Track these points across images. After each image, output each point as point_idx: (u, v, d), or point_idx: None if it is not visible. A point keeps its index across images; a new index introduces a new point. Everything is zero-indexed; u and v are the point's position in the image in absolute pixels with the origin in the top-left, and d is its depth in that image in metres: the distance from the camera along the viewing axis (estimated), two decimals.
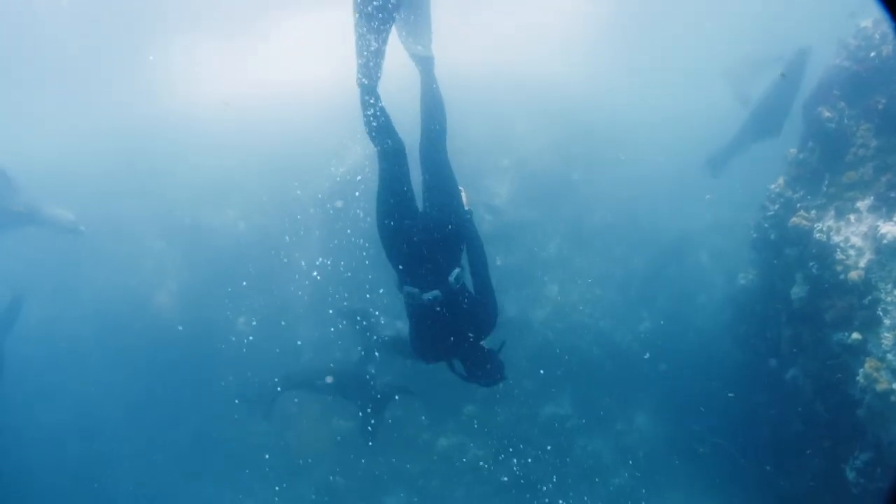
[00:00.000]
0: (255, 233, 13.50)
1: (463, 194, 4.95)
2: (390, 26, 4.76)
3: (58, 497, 11.95)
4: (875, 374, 6.03)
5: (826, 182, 7.21)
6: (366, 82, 4.67)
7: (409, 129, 4.98)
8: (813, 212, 7.19)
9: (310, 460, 12.19)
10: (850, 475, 6.65)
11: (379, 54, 4.73)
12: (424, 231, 4.65)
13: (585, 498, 11.37)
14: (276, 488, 12.04)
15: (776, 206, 8.09)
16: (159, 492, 12.14)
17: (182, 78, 16.19)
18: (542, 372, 12.03)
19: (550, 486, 11.61)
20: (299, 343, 12.30)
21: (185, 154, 14.34)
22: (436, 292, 4.54)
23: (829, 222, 6.85)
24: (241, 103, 14.17)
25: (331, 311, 11.48)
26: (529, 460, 11.66)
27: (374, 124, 4.75)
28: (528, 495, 11.44)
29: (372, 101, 4.71)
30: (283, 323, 12.81)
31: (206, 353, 12.82)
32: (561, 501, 11.39)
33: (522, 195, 14.05)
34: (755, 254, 9.54)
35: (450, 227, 4.70)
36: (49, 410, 13.12)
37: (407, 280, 4.72)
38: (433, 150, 4.83)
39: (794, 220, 7.26)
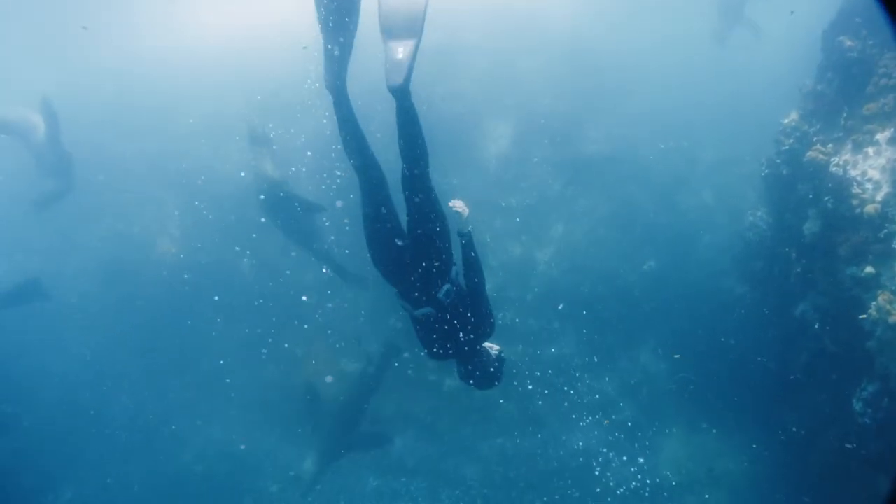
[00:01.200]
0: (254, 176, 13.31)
1: (464, 214, 4.88)
2: (353, 37, 4.72)
3: (70, 445, 12.15)
4: (888, 307, 6.05)
5: (844, 114, 7.06)
6: (335, 83, 4.67)
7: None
8: (830, 145, 7.08)
9: (317, 403, 12.40)
10: (857, 406, 6.76)
11: (343, 60, 4.73)
12: (407, 252, 4.74)
13: (591, 432, 11.65)
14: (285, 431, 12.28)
15: (791, 141, 7.97)
16: (170, 437, 12.35)
17: (182, 19, 15.70)
18: (559, 308, 12.14)
19: (556, 422, 11.87)
20: (304, 298, 12.28)
21: (184, 98, 14.03)
22: (426, 310, 4.73)
23: (846, 156, 6.74)
24: (242, 45, 13.80)
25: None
26: (540, 399, 11.85)
27: (347, 137, 4.76)
28: (534, 432, 11.70)
29: (342, 107, 4.71)
30: (287, 272, 12.78)
31: (212, 298, 12.84)
32: (565, 437, 11.68)
33: (526, 135, 13.86)
34: (766, 190, 9.45)
35: (436, 245, 4.74)
36: (58, 361, 13.20)
37: (402, 295, 4.88)
38: (415, 176, 4.77)
39: (811, 154, 7.15)
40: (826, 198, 6.89)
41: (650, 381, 12.16)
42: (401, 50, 4.46)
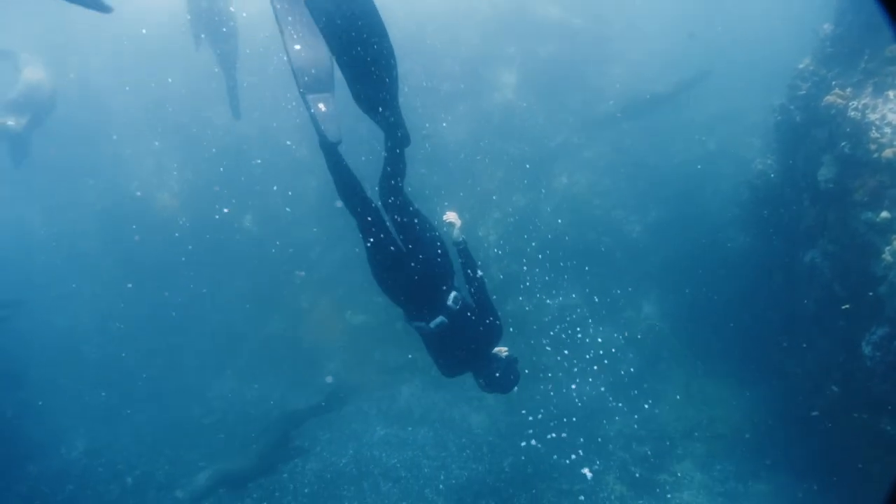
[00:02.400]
0: (255, 129, 13.11)
1: (456, 225, 5.10)
2: (332, 91, 4.79)
3: (79, 398, 12.23)
4: None
5: (865, 57, 6.94)
6: (330, 141, 4.73)
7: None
8: (848, 89, 6.97)
9: (325, 354, 12.50)
10: (866, 349, 6.84)
11: (331, 116, 4.76)
12: (413, 272, 4.86)
13: (594, 381, 11.81)
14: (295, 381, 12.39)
15: (807, 86, 7.86)
16: (181, 389, 12.44)
17: None
18: (561, 262, 12.15)
19: (560, 373, 12.01)
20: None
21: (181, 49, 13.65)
22: (440, 319, 4.88)
23: (865, 100, 6.66)
24: None
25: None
26: (544, 350, 11.96)
27: (342, 186, 4.90)
28: (539, 382, 11.84)
29: (337, 162, 4.82)
30: (290, 224, 12.68)
31: (215, 252, 12.79)
32: (574, 386, 11.85)
33: (529, 84, 13.65)
34: (777, 137, 9.37)
35: (436, 260, 4.94)
36: (64, 316, 13.19)
37: (413, 316, 5.05)
38: (393, 196, 4.96)
39: (829, 98, 7.05)
40: (843, 143, 6.83)
41: (653, 332, 12.29)
42: (322, 105, 4.67)
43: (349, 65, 4.66)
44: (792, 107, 8.33)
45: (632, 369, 12.01)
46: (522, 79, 13.57)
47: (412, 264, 4.87)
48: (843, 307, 7.38)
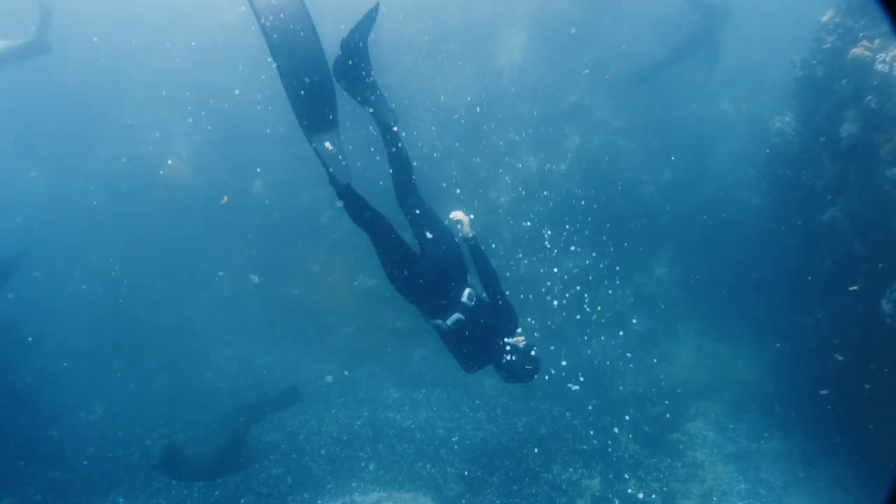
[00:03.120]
0: (264, 92, 12.89)
1: (465, 222, 5.16)
2: (337, 129, 4.80)
3: (95, 363, 12.33)
4: None
5: None
6: (340, 182, 4.80)
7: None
8: (876, 41, 6.78)
9: (337, 318, 12.54)
10: (887, 307, 6.80)
11: (337, 155, 4.80)
12: (428, 272, 4.98)
13: (606, 342, 11.84)
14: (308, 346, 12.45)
15: (832, 38, 7.65)
16: (193, 354, 12.52)
17: None
18: (573, 224, 12.05)
19: (572, 333, 12.04)
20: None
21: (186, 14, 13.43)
22: (456, 316, 4.98)
23: (895, 52, 6.49)
24: None
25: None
26: (556, 310, 11.96)
27: (352, 211, 4.99)
28: (551, 342, 11.88)
29: (349, 200, 4.92)
30: (300, 188, 12.57)
31: (225, 217, 12.73)
32: (582, 347, 11.88)
33: (540, 44, 13.36)
34: (796, 93, 9.17)
35: (449, 258, 5.06)
36: (76, 282, 13.22)
37: (429, 314, 5.15)
38: (408, 195, 5.14)
39: (855, 51, 6.86)
40: (868, 97, 6.67)
41: (665, 292, 12.27)
42: (328, 145, 4.68)
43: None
44: (815, 61, 8.12)
45: (644, 332, 12.04)
46: (533, 38, 13.28)
47: (425, 263, 4.99)
48: (851, 288, 7.36)
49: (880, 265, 7.09)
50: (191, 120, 13.38)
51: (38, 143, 13.33)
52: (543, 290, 12.13)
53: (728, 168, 12.35)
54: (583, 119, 12.82)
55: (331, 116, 4.74)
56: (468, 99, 12.55)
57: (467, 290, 5.03)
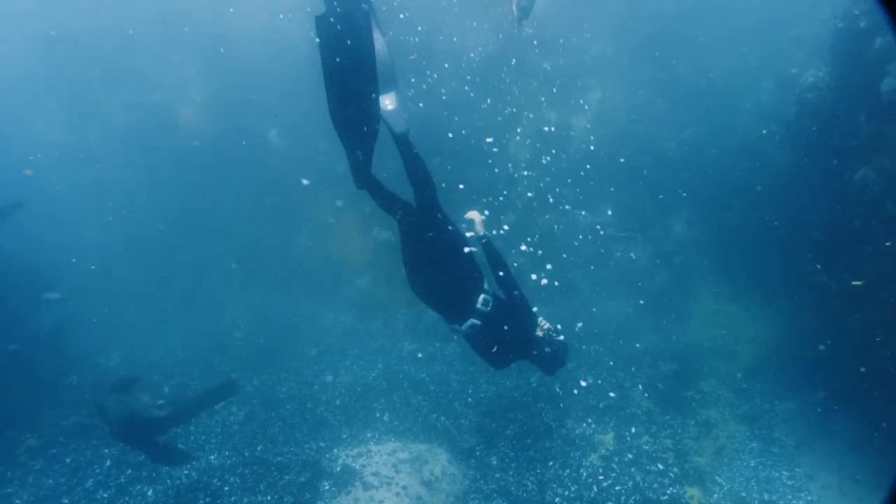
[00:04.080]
0: (281, 38, 12.59)
1: (477, 221, 5.25)
2: (373, 141, 4.91)
3: (111, 313, 12.43)
4: None
5: None
6: (365, 183, 5.07)
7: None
8: None
9: (352, 269, 12.52)
10: None
11: (367, 164, 5.03)
12: (442, 278, 5.12)
13: (622, 299, 11.78)
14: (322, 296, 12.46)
15: None
16: (210, 302, 12.59)
17: None
18: (593, 179, 11.84)
19: (588, 290, 11.98)
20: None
21: None
22: (471, 321, 5.10)
23: None
24: None
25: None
26: (573, 267, 11.85)
27: (384, 208, 5.19)
28: (567, 299, 11.84)
29: (378, 195, 5.12)
30: (316, 138, 12.37)
31: (240, 167, 12.62)
32: (598, 304, 11.82)
33: None
34: (832, 47, 8.79)
35: (463, 267, 5.13)
36: (91, 230, 13.23)
37: (447, 319, 5.32)
38: (429, 208, 5.16)
39: None
40: None
41: (683, 250, 12.12)
42: (388, 102, 4.86)
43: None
44: (857, 11, 7.75)
45: (660, 288, 11.95)
46: None
47: (442, 269, 5.12)
48: (854, 283, 7.23)
49: None
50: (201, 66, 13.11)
51: (51, 92, 13.15)
52: (562, 244, 12.03)
53: (753, 124, 11.98)
54: (605, 72, 12.45)
55: (391, 75, 4.86)
56: (489, 51, 12.20)
57: (482, 297, 5.11)
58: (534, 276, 11.47)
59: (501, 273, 5.18)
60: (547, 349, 5.35)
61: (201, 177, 12.56)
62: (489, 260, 5.19)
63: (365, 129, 4.90)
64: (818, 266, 9.22)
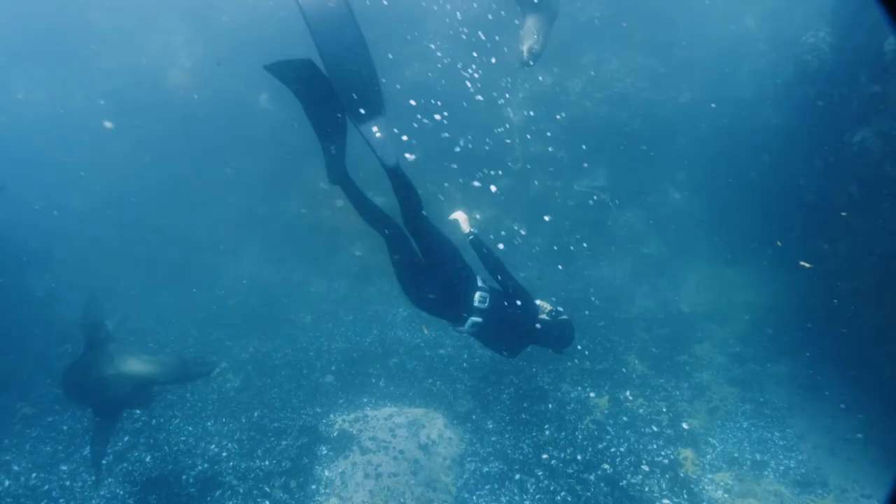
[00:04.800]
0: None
1: (462, 220, 5.49)
2: (346, 134, 5.14)
3: (103, 278, 12.31)
4: None
5: None
6: (338, 176, 5.34)
7: None
8: None
9: (346, 236, 12.42)
10: None
11: (341, 155, 5.30)
12: (435, 283, 5.20)
13: (617, 264, 11.78)
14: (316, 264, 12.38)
15: None
16: (202, 271, 12.50)
17: None
18: (587, 144, 11.72)
19: (582, 255, 11.97)
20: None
21: None
22: (472, 320, 5.22)
23: None
24: None
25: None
26: (567, 232, 11.81)
27: (365, 213, 5.38)
28: (561, 264, 11.83)
29: (352, 192, 5.37)
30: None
31: (231, 132, 12.40)
32: (592, 269, 11.83)
33: None
34: (838, 4, 8.64)
35: (456, 273, 5.24)
36: (79, 199, 13.02)
37: (450, 321, 5.43)
38: (416, 220, 5.18)
39: None
40: None
41: (678, 215, 12.10)
42: (376, 129, 4.78)
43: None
44: None
45: (655, 253, 11.97)
46: None
47: (433, 276, 5.21)
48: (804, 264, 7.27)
49: None
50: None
51: (33, 58, 12.80)
52: (557, 209, 11.97)
53: (751, 87, 11.87)
54: (600, 34, 12.21)
55: (378, 101, 4.83)
56: (476, 10, 11.94)
57: (478, 294, 5.22)
58: (520, 233, 11.45)
59: (495, 266, 5.34)
60: (554, 331, 5.51)
61: (191, 143, 12.33)
62: (480, 256, 5.33)
63: (337, 122, 5.02)
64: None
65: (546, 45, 8.03)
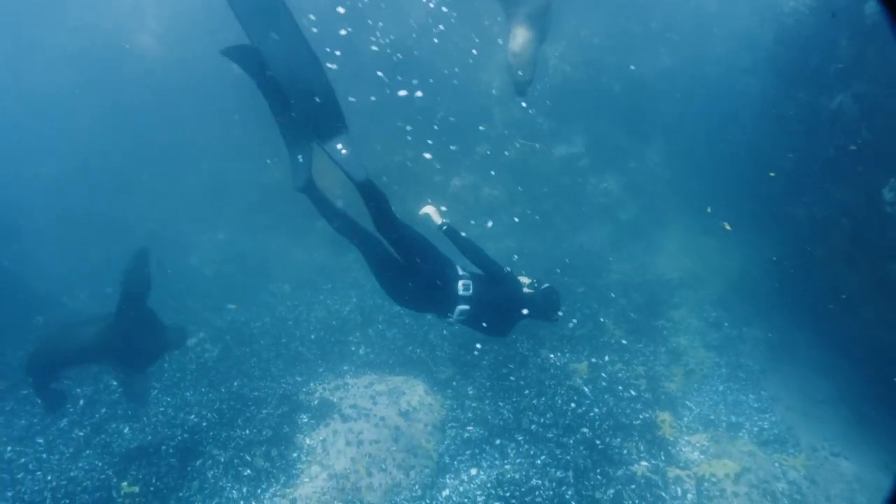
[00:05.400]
0: None
1: (433, 213, 5.47)
2: (310, 144, 5.14)
3: (73, 249, 12.05)
4: None
5: None
6: (304, 185, 5.50)
7: None
8: None
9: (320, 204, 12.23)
10: (889, 195, 6.73)
11: (308, 164, 5.43)
12: (417, 283, 5.26)
13: (595, 230, 11.81)
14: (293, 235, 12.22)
15: None
16: (177, 241, 12.28)
17: None
18: (566, 109, 11.59)
19: (562, 222, 11.97)
20: None
21: None
22: (460, 308, 5.32)
23: None
24: None
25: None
26: (546, 199, 11.78)
27: (334, 222, 5.46)
28: (541, 231, 11.83)
29: (318, 201, 5.52)
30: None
31: (202, 98, 12.06)
32: (571, 236, 11.86)
33: None
34: None
35: (434, 269, 5.28)
36: (48, 166, 12.64)
37: (438, 315, 5.53)
38: (387, 224, 5.22)
39: None
40: None
41: (656, 182, 12.13)
42: (340, 146, 4.82)
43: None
44: None
45: (632, 219, 12.01)
46: None
47: (413, 274, 5.27)
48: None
49: (885, 152, 6.93)
50: None
51: None
52: (535, 176, 11.91)
53: (729, 51, 11.81)
54: None
55: (338, 118, 4.84)
56: None
57: (461, 283, 5.30)
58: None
59: (472, 252, 5.39)
60: (539, 300, 5.65)
61: (162, 109, 11.98)
62: (455, 244, 5.37)
63: (304, 127, 4.98)
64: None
65: (536, 65, 7.61)
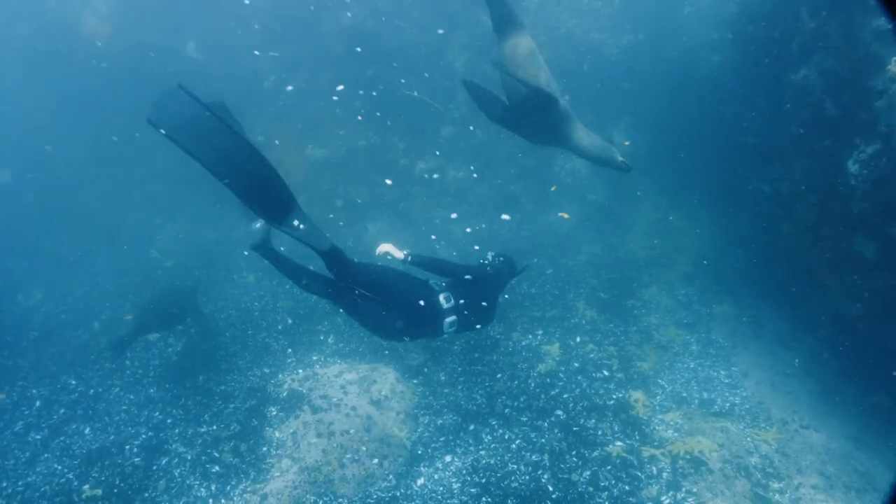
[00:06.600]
0: None
1: (391, 250, 5.40)
2: (297, 205, 4.96)
3: (30, 242, 11.59)
4: None
5: None
6: (261, 248, 5.39)
7: None
8: None
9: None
10: (853, 168, 6.72)
11: (266, 233, 5.36)
12: (403, 314, 5.25)
13: (563, 210, 11.75)
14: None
15: None
16: (135, 233, 11.89)
17: None
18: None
19: (529, 203, 11.88)
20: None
21: None
22: (449, 321, 5.40)
23: None
24: None
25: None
26: (513, 180, 11.67)
27: (304, 285, 5.29)
28: (508, 213, 11.72)
29: (275, 260, 5.37)
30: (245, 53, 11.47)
31: (157, 84, 11.58)
32: (539, 217, 11.77)
33: None
34: None
35: (407, 295, 5.29)
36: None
37: (431, 337, 5.73)
38: (351, 274, 5.20)
39: None
40: None
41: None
42: (297, 223, 4.86)
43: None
44: None
45: (601, 199, 11.97)
46: None
47: (393, 308, 5.23)
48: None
49: (850, 125, 6.94)
50: None
51: None
52: (502, 157, 11.79)
53: (693, 29, 11.79)
54: None
55: (285, 196, 4.77)
56: None
57: (441, 297, 5.36)
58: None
59: (441, 269, 5.47)
60: (501, 267, 5.88)
61: (115, 97, 11.49)
62: (424, 267, 5.43)
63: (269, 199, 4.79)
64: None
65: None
